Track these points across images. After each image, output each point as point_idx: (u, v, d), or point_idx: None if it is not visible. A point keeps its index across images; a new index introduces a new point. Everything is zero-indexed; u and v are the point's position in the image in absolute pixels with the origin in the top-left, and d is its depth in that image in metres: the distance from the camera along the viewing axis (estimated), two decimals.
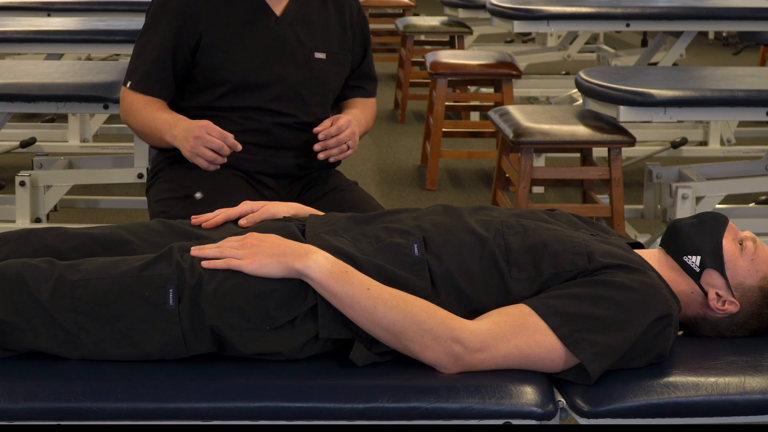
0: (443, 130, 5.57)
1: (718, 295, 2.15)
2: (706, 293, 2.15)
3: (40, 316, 1.96)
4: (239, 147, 2.70)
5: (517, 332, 1.97)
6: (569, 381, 2.00)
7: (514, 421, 1.92)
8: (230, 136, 2.69)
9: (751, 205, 4.85)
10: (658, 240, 2.50)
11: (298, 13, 2.86)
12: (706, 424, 2.00)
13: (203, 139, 2.68)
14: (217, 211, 2.28)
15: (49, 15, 5.80)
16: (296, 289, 1.99)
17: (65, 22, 5.24)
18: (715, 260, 2.14)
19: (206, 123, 2.70)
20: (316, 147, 2.78)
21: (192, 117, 2.77)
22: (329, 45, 2.89)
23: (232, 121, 2.80)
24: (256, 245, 2.01)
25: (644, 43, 10.06)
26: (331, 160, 2.81)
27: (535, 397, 1.93)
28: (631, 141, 3.89)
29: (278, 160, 2.84)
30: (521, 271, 2.06)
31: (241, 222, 2.27)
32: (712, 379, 1.99)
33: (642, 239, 4.23)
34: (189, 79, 2.85)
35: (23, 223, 4.10)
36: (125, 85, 2.86)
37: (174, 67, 2.82)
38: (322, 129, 2.78)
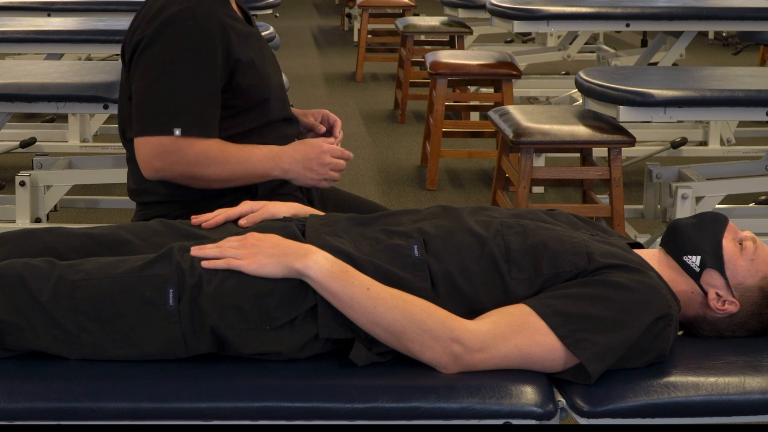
0: (443, 130, 5.57)
1: (718, 295, 2.15)
2: (706, 293, 2.15)
3: (40, 316, 1.96)
4: (351, 156, 2.64)
5: (517, 332, 1.97)
6: (569, 381, 2.00)
7: (514, 421, 1.92)
8: (346, 152, 2.62)
9: (751, 205, 4.85)
10: (658, 240, 2.50)
11: (245, 14, 2.77)
12: (706, 424, 2.00)
13: (332, 164, 2.59)
14: (217, 211, 2.28)
15: (49, 15, 5.80)
16: (296, 289, 1.99)
17: (65, 22, 5.24)
18: (715, 260, 2.14)
19: (318, 145, 2.58)
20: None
21: (242, 142, 2.60)
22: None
23: (277, 136, 2.67)
24: (256, 245, 2.01)
25: (644, 43, 10.06)
26: None
27: (535, 397, 1.93)
28: (631, 141, 3.89)
29: None
30: (521, 271, 2.06)
31: (241, 222, 2.27)
32: (712, 379, 1.99)
33: (642, 239, 4.23)
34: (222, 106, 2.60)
35: (23, 223, 4.10)
36: (169, 133, 2.47)
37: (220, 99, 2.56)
38: (337, 132, 2.78)
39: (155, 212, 2.63)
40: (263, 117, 2.64)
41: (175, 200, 2.62)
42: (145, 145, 2.51)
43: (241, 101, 2.59)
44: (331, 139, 2.68)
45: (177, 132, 2.47)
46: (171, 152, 2.49)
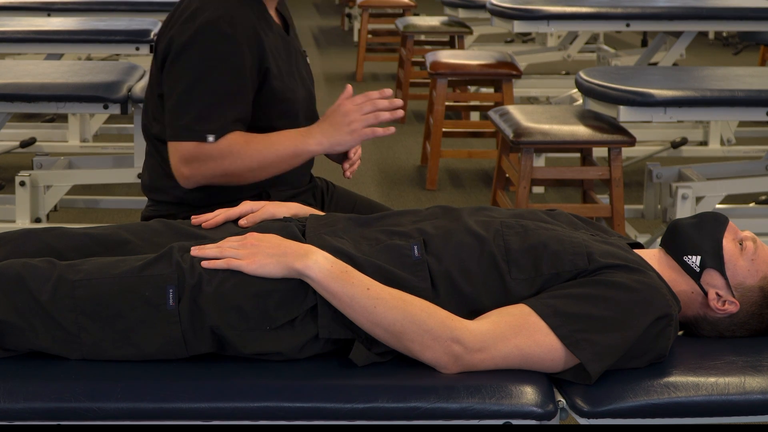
0: (443, 130, 5.57)
1: (718, 295, 2.15)
2: (706, 293, 2.15)
3: (40, 316, 1.96)
4: (376, 95, 2.46)
5: (517, 332, 1.97)
6: (569, 381, 2.00)
7: (514, 421, 1.92)
8: (370, 95, 2.45)
9: (751, 205, 4.85)
10: (658, 240, 2.50)
11: (284, 21, 2.74)
12: (706, 424, 2.00)
13: (354, 110, 2.43)
14: (217, 211, 2.28)
15: (49, 15, 5.81)
16: (296, 289, 1.99)
17: (65, 22, 5.24)
18: (715, 260, 2.14)
19: (335, 105, 2.46)
20: (347, 166, 2.68)
21: None
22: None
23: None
24: (256, 245, 2.01)
25: (644, 43, 10.07)
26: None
27: (535, 397, 1.93)
28: (631, 141, 3.89)
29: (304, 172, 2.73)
30: (521, 271, 2.06)
31: (241, 222, 2.27)
32: (712, 379, 1.99)
33: (642, 239, 4.23)
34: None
35: (23, 223, 4.11)
36: (201, 139, 2.46)
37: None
38: (352, 153, 2.67)
39: (166, 211, 2.63)
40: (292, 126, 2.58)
41: (186, 203, 2.61)
42: (175, 152, 2.50)
43: (265, 113, 2.55)
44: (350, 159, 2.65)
45: (210, 138, 2.46)
46: (196, 156, 2.47)
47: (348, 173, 2.69)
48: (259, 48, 2.53)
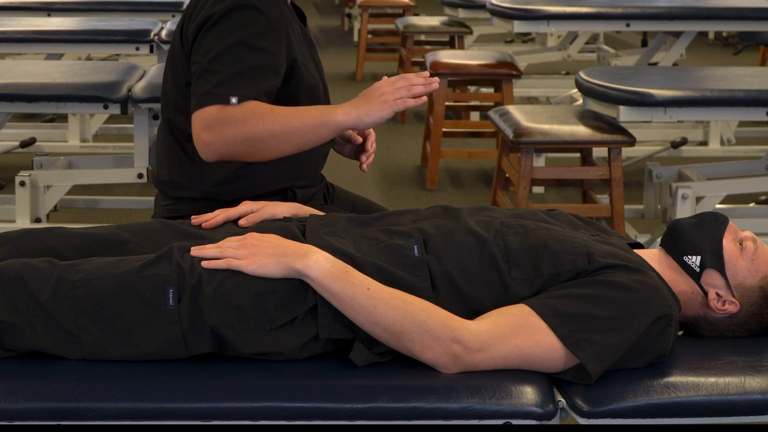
0: (443, 130, 5.57)
1: (718, 295, 2.15)
2: (706, 293, 2.15)
3: (40, 316, 1.96)
4: (426, 74, 2.44)
5: (517, 332, 1.97)
6: (569, 381, 2.00)
7: (514, 421, 1.92)
8: (407, 76, 2.42)
9: (751, 205, 4.85)
10: (658, 240, 2.50)
11: (300, 14, 2.75)
12: (706, 424, 2.00)
13: (389, 87, 2.39)
14: (217, 211, 2.28)
15: (49, 15, 5.81)
16: (296, 289, 1.99)
17: (65, 22, 5.25)
18: (715, 260, 2.14)
19: (373, 85, 2.43)
20: (364, 158, 2.67)
21: None
22: None
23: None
24: (256, 245, 2.01)
25: (644, 43, 10.07)
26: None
27: (535, 397, 1.93)
28: (631, 141, 3.89)
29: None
30: (521, 271, 2.06)
31: (241, 222, 2.27)
32: (712, 379, 1.99)
33: (642, 239, 4.23)
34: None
35: (23, 223, 4.11)
36: (224, 102, 2.38)
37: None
38: (369, 145, 2.68)
39: (187, 209, 2.56)
40: None
41: (211, 198, 2.55)
42: (197, 120, 2.40)
43: (291, 104, 2.51)
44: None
45: (233, 100, 2.37)
46: (218, 120, 2.37)
47: (364, 166, 2.67)
48: (287, 35, 2.51)
